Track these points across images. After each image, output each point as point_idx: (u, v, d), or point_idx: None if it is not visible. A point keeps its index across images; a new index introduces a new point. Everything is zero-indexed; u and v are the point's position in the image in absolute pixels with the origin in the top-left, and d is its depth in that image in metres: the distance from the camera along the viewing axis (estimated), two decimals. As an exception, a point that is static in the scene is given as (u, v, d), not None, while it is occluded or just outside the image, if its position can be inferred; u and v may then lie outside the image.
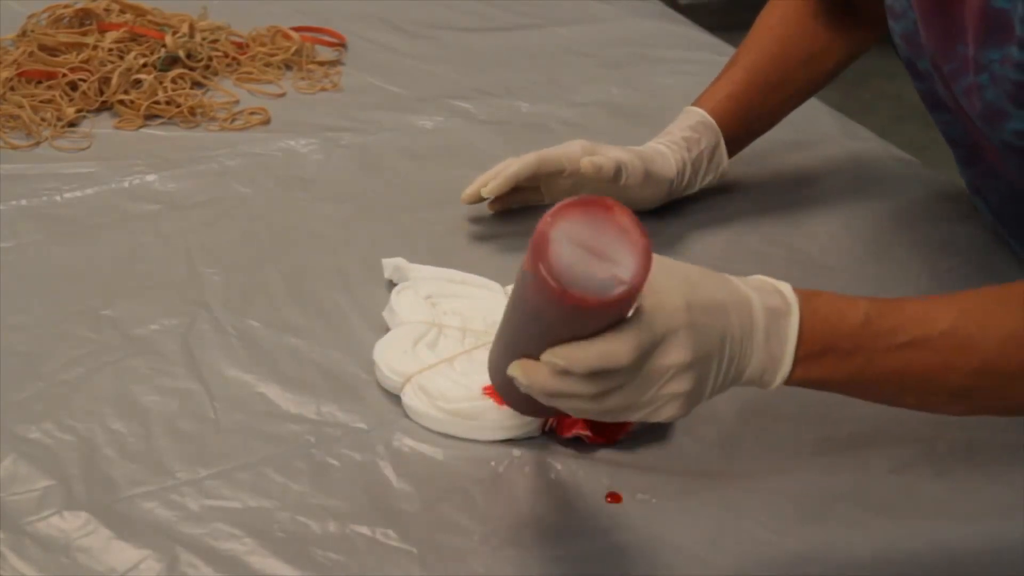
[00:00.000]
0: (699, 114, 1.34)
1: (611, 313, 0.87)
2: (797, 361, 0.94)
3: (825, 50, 1.36)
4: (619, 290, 0.84)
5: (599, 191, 1.29)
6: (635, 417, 0.92)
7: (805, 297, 0.95)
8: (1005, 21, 1.04)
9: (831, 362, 0.95)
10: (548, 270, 0.84)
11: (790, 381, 0.96)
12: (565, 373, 0.89)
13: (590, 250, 0.84)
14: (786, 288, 0.96)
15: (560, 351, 0.88)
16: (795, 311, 0.94)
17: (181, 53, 1.57)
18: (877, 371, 0.95)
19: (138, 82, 1.52)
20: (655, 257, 0.86)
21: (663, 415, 0.92)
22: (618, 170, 1.26)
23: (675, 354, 0.90)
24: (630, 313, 0.88)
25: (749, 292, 0.94)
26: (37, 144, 1.45)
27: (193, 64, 1.57)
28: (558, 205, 0.85)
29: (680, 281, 0.92)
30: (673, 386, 0.91)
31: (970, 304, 0.98)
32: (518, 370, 0.90)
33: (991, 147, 1.16)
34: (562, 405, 0.91)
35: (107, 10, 1.62)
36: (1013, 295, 0.97)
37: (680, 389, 0.91)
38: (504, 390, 1.00)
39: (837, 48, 1.36)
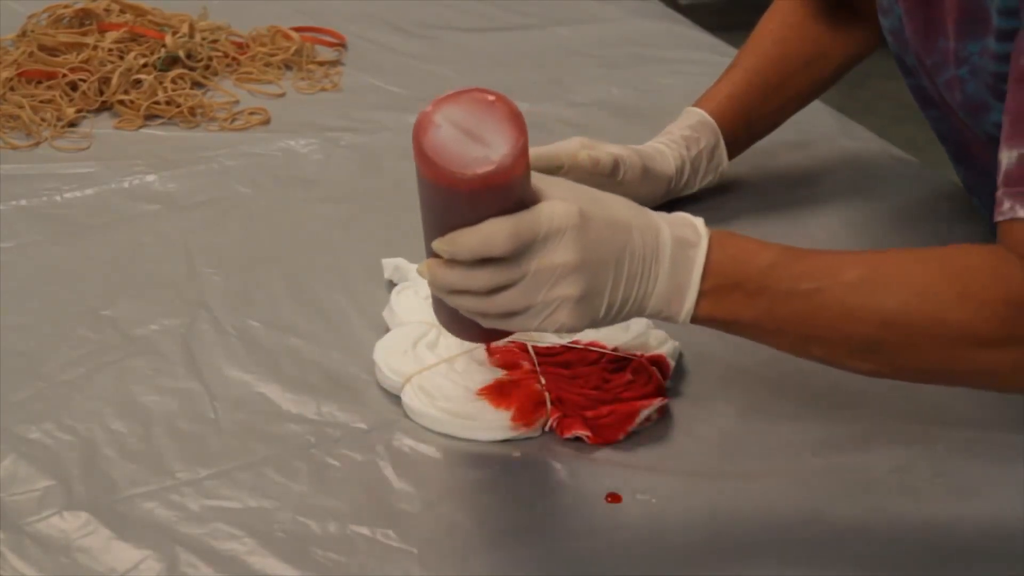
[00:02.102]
0: (699, 114, 1.34)
1: (488, 197, 0.90)
2: (702, 294, 0.95)
3: (826, 53, 1.36)
4: (485, 168, 0.89)
5: (597, 187, 1.29)
6: (530, 324, 0.93)
7: (718, 234, 0.97)
8: (983, 13, 1.05)
9: (737, 300, 0.96)
10: (424, 148, 0.90)
11: (697, 317, 0.96)
12: (455, 263, 0.92)
13: (468, 133, 0.90)
14: (699, 222, 0.97)
15: (445, 237, 0.92)
16: (704, 243, 0.96)
17: (181, 53, 1.57)
18: (782, 315, 0.96)
19: (138, 82, 1.52)
20: (565, 180, 0.93)
21: (556, 321, 0.93)
22: (616, 165, 1.27)
23: (561, 254, 0.92)
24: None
25: (658, 219, 0.96)
26: (37, 144, 1.45)
27: (193, 64, 1.57)
28: (445, 93, 0.91)
29: (583, 193, 0.95)
30: (561, 289, 0.92)
31: (883, 259, 0.98)
32: (423, 267, 0.95)
33: (978, 142, 1.17)
34: (461, 304, 0.94)
35: (107, 10, 1.62)
36: (929, 254, 0.97)
37: (568, 293, 0.92)
38: (436, 309, 1.02)
39: (839, 51, 1.36)
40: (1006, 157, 0.97)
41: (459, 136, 0.90)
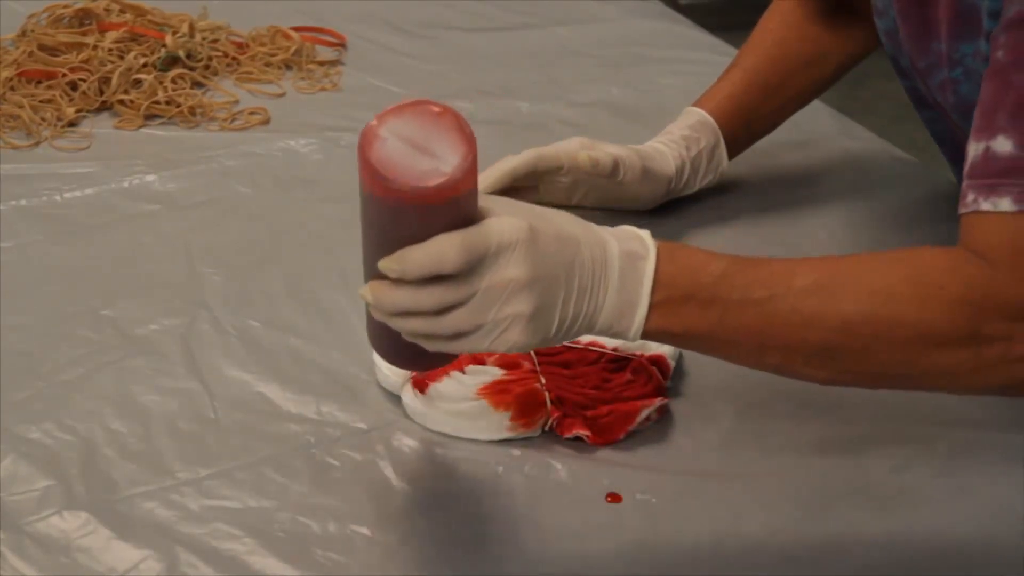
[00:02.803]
0: (699, 114, 1.34)
1: (438, 212, 0.88)
2: (653, 307, 0.93)
3: (826, 53, 1.36)
4: (436, 180, 0.86)
5: (597, 187, 1.29)
6: (481, 345, 0.91)
7: (665, 246, 0.95)
8: (975, 15, 1.05)
9: (689, 312, 0.94)
10: (371, 161, 0.86)
11: (648, 331, 0.94)
12: (402, 283, 0.89)
13: (415, 146, 0.87)
14: (645, 234, 0.95)
15: (394, 255, 0.89)
16: (652, 255, 0.93)
17: (181, 53, 1.57)
18: (735, 324, 0.94)
19: (138, 82, 1.52)
20: (507, 198, 0.91)
21: (507, 340, 0.90)
22: (616, 165, 1.27)
23: (512, 269, 0.89)
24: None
25: (605, 234, 0.94)
26: (37, 144, 1.45)
27: (193, 64, 1.57)
28: (390, 107, 0.88)
29: (529, 210, 0.92)
30: (513, 306, 0.90)
31: (839, 264, 0.97)
32: (366, 291, 0.91)
33: None
34: (407, 327, 0.91)
35: (107, 10, 1.62)
36: (885, 256, 0.96)
37: (520, 310, 0.90)
38: (373, 338, 0.99)
39: (838, 51, 1.36)
40: (973, 149, 0.97)
41: (407, 149, 0.87)
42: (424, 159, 0.86)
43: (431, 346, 0.92)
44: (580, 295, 0.92)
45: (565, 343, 1.11)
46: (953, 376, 0.95)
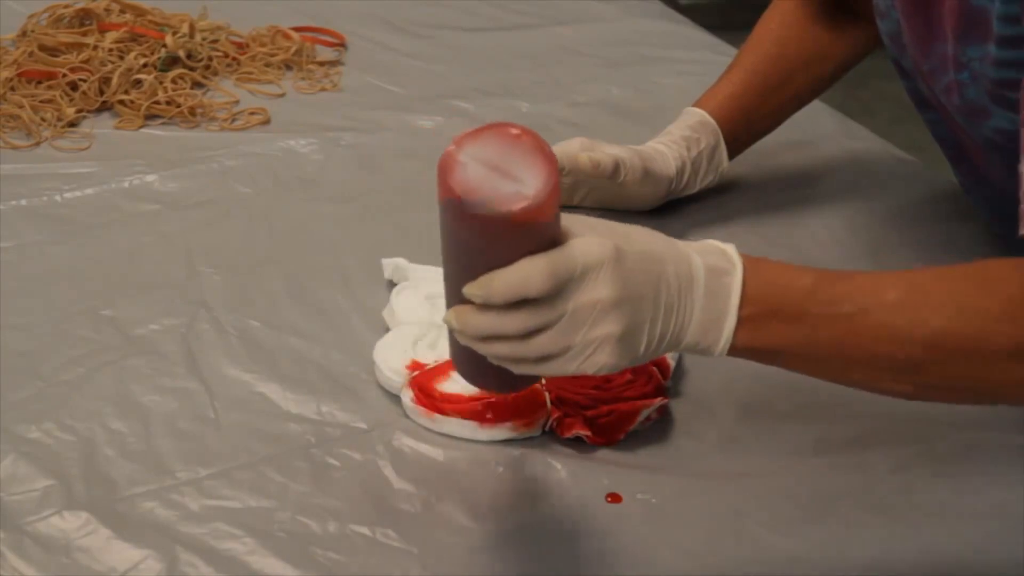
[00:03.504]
0: (699, 114, 1.34)
1: (523, 236, 0.86)
2: (740, 323, 0.92)
3: (826, 52, 1.36)
4: (520, 204, 0.84)
5: (597, 188, 1.29)
6: (569, 367, 0.89)
7: (751, 260, 0.93)
8: (983, 19, 1.05)
9: (776, 328, 0.92)
10: (453, 187, 0.85)
11: (735, 348, 0.93)
12: (487, 308, 0.88)
13: (496, 170, 0.85)
14: (730, 248, 0.94)
15: (479, 280, 0.87)
16: (739, 270, 0.92)
17: (181, 53, 1.57)
18: (823, 340, 0.93)
19: (138, 82, 1.52)
20: (590, 217, 0.89)
21: (596, 363, 0.89)
22: (616, 167, 1.26)
23: (600, 290, 0.88)
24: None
25: (689, 249, 0.93)
26: (37, 144, 1.45)
27: (193, 64, 1.57)
28: (467, 131, 0.87)
29: (612, 228, 0.91)
30: (602, 327, 0.88)
31: (921, 277, 0.96)
32: (451, 316, 0.90)
33: (975, 146, 1.17)
34: (493, 351, 0.90)
35: (107, 10, 1.62)
36: (966, 270, 0.95)
37: (609, 331, 0.88)
38: (458, 361, 0.97)
39: (838, 51, 1.36)
40: None
41: (488, 173, 0.85)
42: (506, 183, 0.85)
43: (518, 369, 0.91)
44: (667, 313, 0.91)
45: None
46: None
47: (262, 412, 1.09)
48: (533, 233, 0.87)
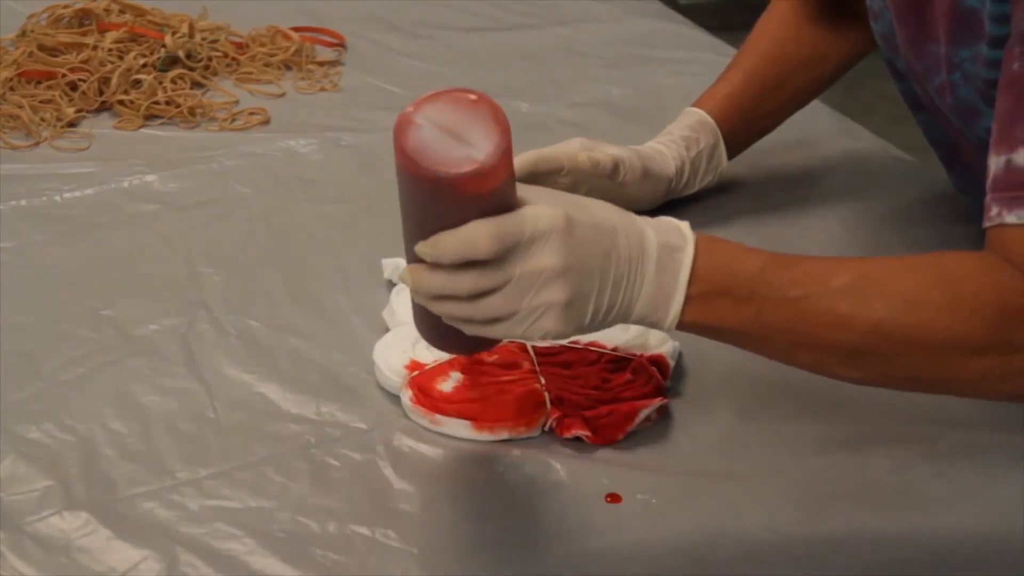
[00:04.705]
0: (698, 114, 1.34)
1: (472, 199, 0.89)
2: (689, 300, 0.94)
3: (824, 53, 1.36)
4: (469, 167, 0.87)
5: (597, 188, 1.29)
6: (516, 331, 0.92)
7: (704, 239, 0.95)
8: (975, 19, 1.05)
9: (724, 306, 0.94)
10: (406, 148, 0.88)
11: (683, 323, 0.95)
12: (438, 268, 0.90)
13: (450, 133, 0.88)
14: (685, 226, 0.95)
15: (428, 240, 0.90)
16: (691, 247, 0.94)
17: (181, 53, 1.57)
18: (770, 322, 0.94)
19: (138, 82, 1.52)
20: (548, 189, 0.92)
21: (542, 328, 0.91)
22: (615, 166, 1.26)
23: (546, 257, 0.90)
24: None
25: (643, 223, 0.94)
26: (37, 144, 1.45)
27: (193, 64, 1.57)
28: (425, 95, 0.89)
29: (567, 199, 0.93)
30: (547, 294, 0.91)
31: (872, 265, 0.97)
32: (405, 273, 0.92)
33: (969, 147, 1.17)
34: (444, 310, 0.92)
35: (107, 10, 1.62)
36: (919, 260, 0.97)
37: (554, 298, 0.91)
38: (417, 320, 1.00)
39: (836, 51, 1.36)
40: (994, 163, 0.97)
41: (441, 136, 0.88)
42: (458, 146, 0.88)
43: (469, 330, 0.93)
44: (616, 285, 0.93)
45: (564, 343, 1.11)
46: (983, 383, 0.96)
47: (262, 412, 1.09)
48: (483, 197, 0.89)
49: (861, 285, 0.95)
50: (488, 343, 0.99)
